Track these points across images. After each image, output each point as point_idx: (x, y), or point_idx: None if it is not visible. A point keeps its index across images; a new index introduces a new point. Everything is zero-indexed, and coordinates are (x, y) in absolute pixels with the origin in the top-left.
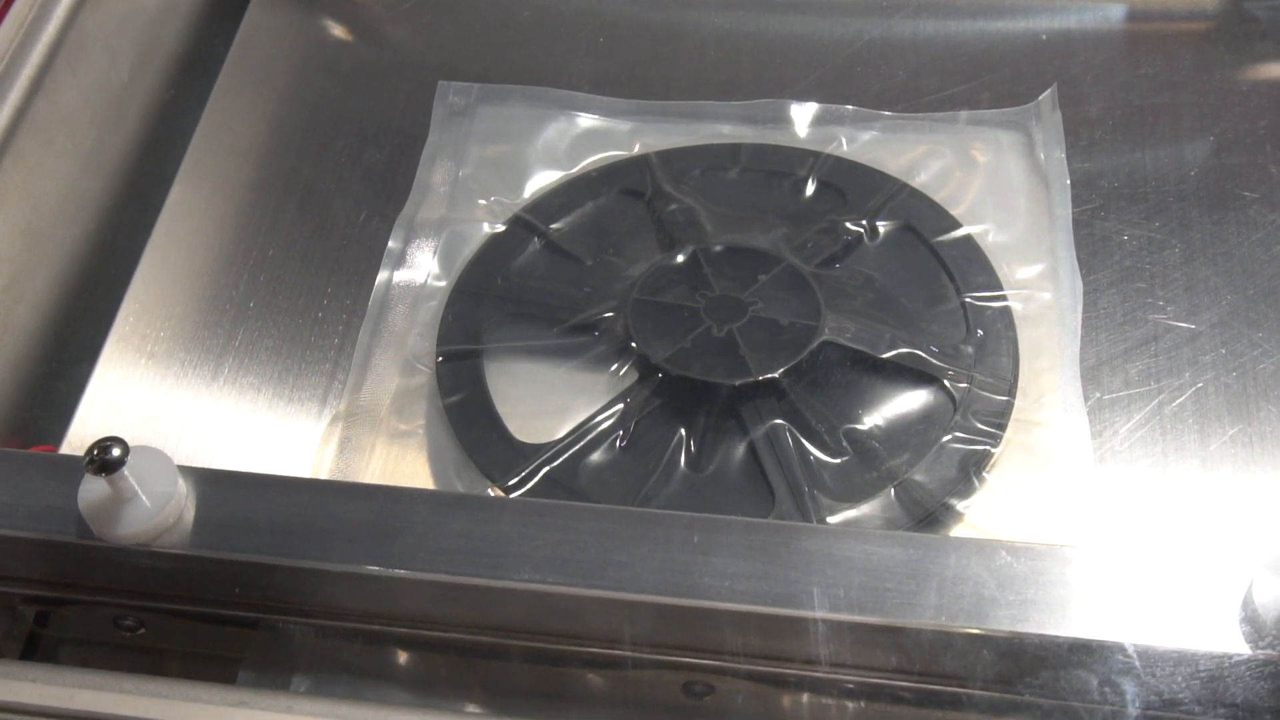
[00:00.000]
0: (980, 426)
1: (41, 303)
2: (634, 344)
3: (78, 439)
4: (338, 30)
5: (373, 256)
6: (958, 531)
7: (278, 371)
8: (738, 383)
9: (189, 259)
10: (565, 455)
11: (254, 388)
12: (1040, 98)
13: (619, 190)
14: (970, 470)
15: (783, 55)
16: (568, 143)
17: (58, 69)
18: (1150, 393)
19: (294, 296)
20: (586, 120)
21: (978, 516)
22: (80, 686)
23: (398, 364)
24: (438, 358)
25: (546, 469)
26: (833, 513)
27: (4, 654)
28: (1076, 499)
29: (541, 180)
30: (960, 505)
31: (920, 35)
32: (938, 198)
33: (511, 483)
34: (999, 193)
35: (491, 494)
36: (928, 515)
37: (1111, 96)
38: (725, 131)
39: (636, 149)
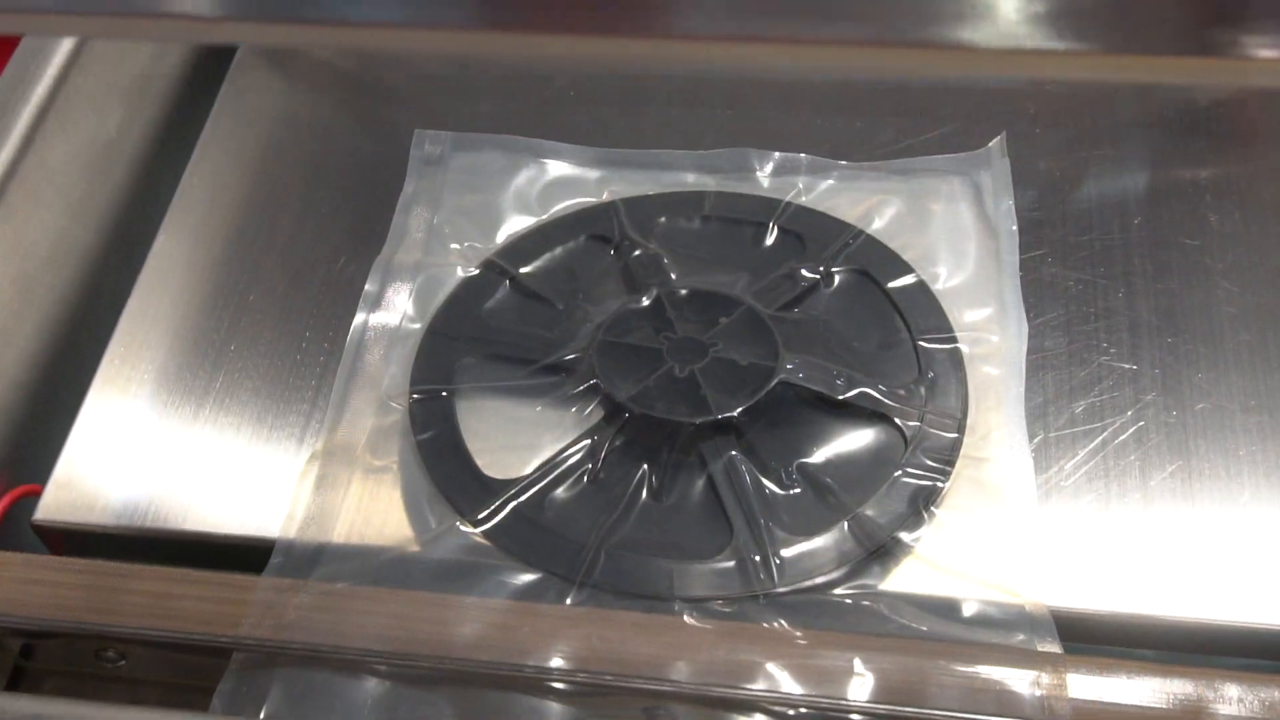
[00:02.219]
0: (930, 463)
1: (30, 347)
2: (599, 384)
3: (64, 477)
4: (316, 86)
5: (350, 300)
6: (907, 566)
7: (257, 411)
8: (698, 421)
9: (173, 304)
10: (533, 490)
11: (234, 427)
12: (989, 145)
13: (588, 236)
14: (920, 505)
15: (744, 106)
16: (539, 190)
17: (48, 126)
18: (1094, 430)
19: (274, 339)
20: (557, 168)
21: (927, 549)
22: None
23: (373, 403)
24: (411, 396)
25: (514, 504)
26: (788, 545)
27: None
28: (1021, 533)
29: (514, 226)
30: (909, 538)
31: (875, 86)
32: (891, 244)
33: (480, 516)
34: (949, 239)
35: (461, 528)
36: (879, 548)
37: (1058, 147)
38: (690, 180)
39: (605, 196)
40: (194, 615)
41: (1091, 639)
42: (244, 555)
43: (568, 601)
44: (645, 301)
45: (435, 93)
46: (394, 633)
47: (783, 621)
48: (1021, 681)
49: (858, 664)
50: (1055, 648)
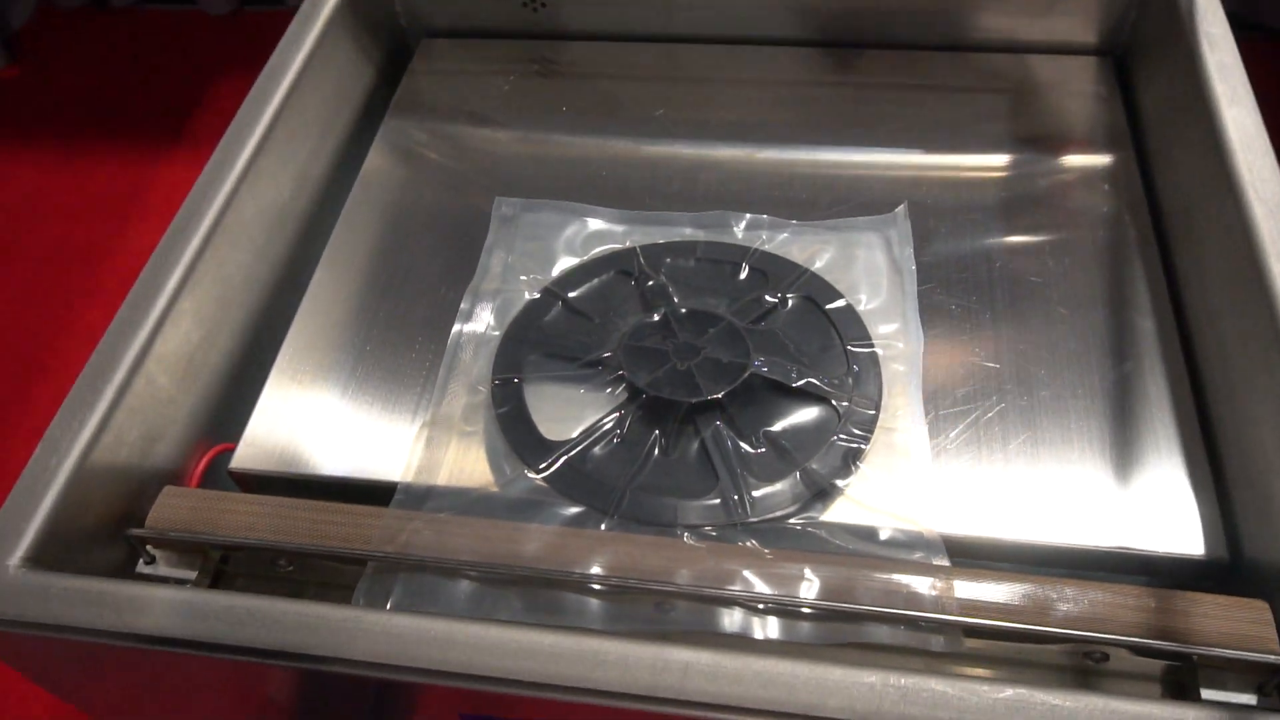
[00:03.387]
0: (856, 431)
1: (228, 348)
2: (625, 374)
3: (251, 438)
4: (428, 170)
5: (449, 316)
6: (840, 503)
7: (384, 393)
8: (694, 400)
9: (326, 317)
10: (578, 448)
11: (368, 404)
12: (896, 210)
13: (616, 271)
14: (849, 460)
15: (726, 180)
16: (581, 239)
17: (241, 193)
18: (969, 410)
19: (397, 343)
20: (595, 224)
21: (855, 492)
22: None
23: (466, 387)
24: (493, 382)
25: (566, 457)
26: (757, 489)
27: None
28: (921, 481)
29: (564, 264)
30: (842, 484)
31: (818, 165)
32: (828, 278)
33: (541, 466)
34: (869, 275)
35: (528, 475)
36: (820, 492)
37: (944, 212)
38: (687, 232)
39: (628, 243)
40: (340, 536)
41: (970, 555)
42: (375, 494)
43: (602, 528)
44: (656, 318)
45: (507, 172)
46: (479, 548)
47: (754, 542)
48: (923, 585)
49: (807, 572)
50: (945, 561)
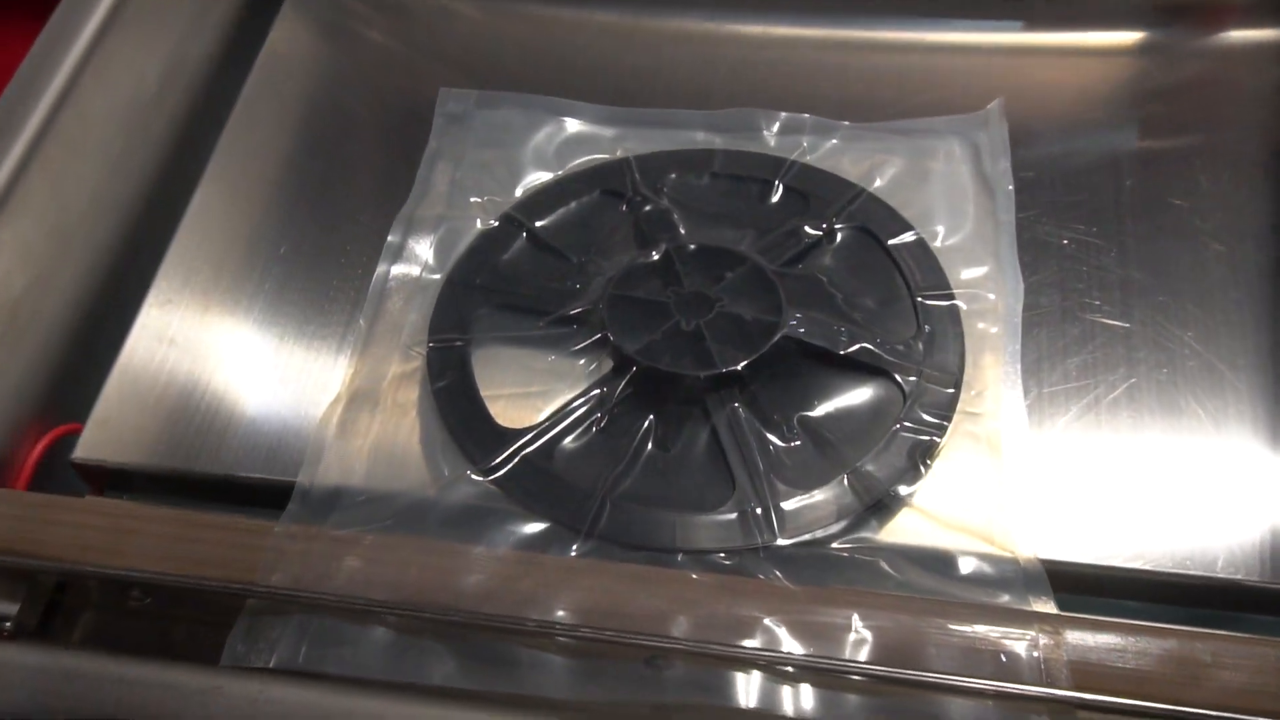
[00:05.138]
0: (927, 418)
1: (70, 293)
2: (609, 336)
3: (103, 417)
4: (350, 49)
5: (375, 252)
6: (903, 519)
7: (286, 357)
8: (703, 374)
9: (209, 255)
10: (542, 440)
11: (263, 372)
12: (988, 108)
13: (601, 191)
14: (917, 459)
15: (752, 67)
16: (556, 146)
17: (85, 80)
18: (1087, 387)
19: (303, 289)
20: (573, 125)
21: (924, 503)
22: None
23: (394, 350)
24: (429, 345)
25: (525, 452)
26: (788, 498)
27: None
28: (1016, 488)
29: (531, 180)
30: (906, 492)
31: (877, 48)
32: (892, 203)
33: (491, 465)
34: (948, 198)
35: (473, 476)
36: (876, 503)
37: (1053, 110)
38: (699, 138)
39: (619, 153)
40: (210, 560)
41: (1081, 590)
42: (269, 495)
43: (573, 551)
44: (655, 256)
45: (460, 53)
46: (402, 582)
47: (779, 574)
48: (1019, 642)
49: (855, 621)
50: (1050, 606)
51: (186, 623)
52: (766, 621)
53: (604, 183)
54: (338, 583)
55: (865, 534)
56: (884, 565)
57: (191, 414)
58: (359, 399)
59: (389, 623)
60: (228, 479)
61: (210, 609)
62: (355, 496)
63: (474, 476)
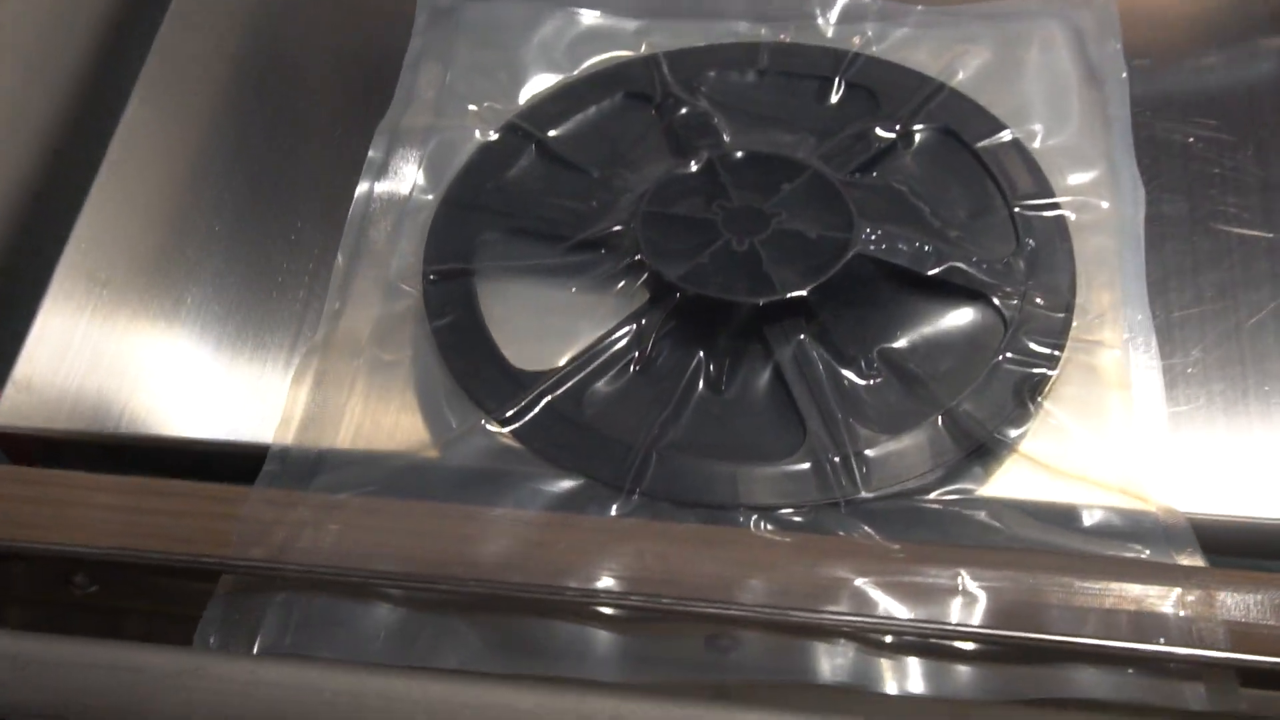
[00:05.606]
0: (1035, 348)
1: None
2: (645, 260)
3: (23, 379)
4: None
5: (352, 175)
6: (1011, 465)
7: (247, 302)
8: (762, 301)
9: (146, 181)
10: (570, 383)
11: (220, 320)
12: None
13: (625, 93)
14: (1025, 396)
15: None
16: (567, 42)
17: None
18: (1226, 310)
19: (264, 220)
20: (588, 17)
21: (1034, 448)
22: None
23: (381, 286)
24: (426, 278)
25: (549, 398)
26: (871, 445)
27: None
28: (1147, 429)
29: (539, 84)
30: (1013, 434)
31: None
32: (980, 100)
33: (509, 414)
34: (1048, 91)
35: (487, 428)
36: (978, 447)
37: None
38: (740, 29)
39: (644, 49)
40: (174, 533)
41: (1227, 551)
42: (233, 465)
43: (613, 512)
44: (694, 167)
45: None
46: (409, 551)
47: (871, 531)
48: (1164, 599)
49: (964, 580)
50: (1198, 560)
51: (142, 616)
52: (857, 583)
53: (628, 84)
54: (330, 554)
55: (966, 484)
56: (990, 519)
57: (133, 372)
58: (339, 345)
59: (394, 598)
60: (182, 445)
61: (173, 596)
62: (342, 457)
63: (489, 427)
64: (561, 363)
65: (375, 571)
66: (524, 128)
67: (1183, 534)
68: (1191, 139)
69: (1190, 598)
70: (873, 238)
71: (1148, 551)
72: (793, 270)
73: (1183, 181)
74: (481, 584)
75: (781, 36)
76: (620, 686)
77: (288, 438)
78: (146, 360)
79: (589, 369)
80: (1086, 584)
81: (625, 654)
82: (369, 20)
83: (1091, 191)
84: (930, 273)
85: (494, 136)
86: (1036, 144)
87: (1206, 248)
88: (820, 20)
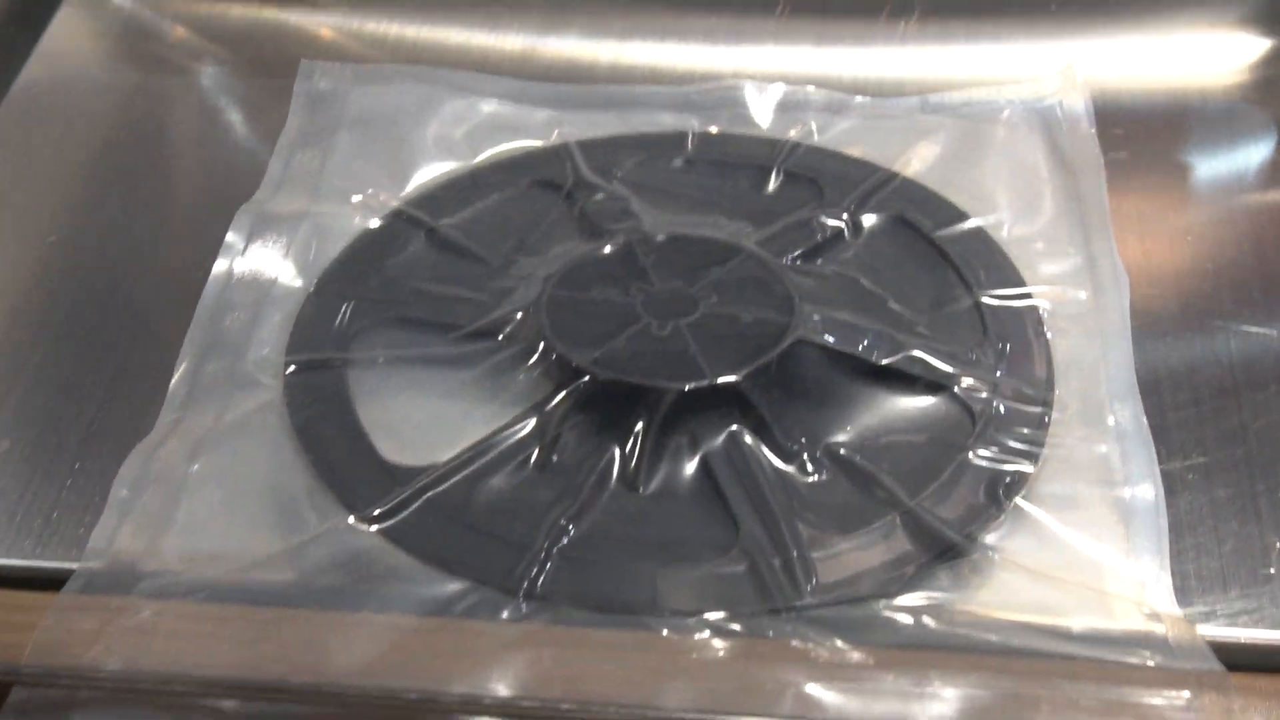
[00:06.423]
0: (1009, 443)
1: None
2: (549, 344)
3: None
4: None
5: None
6: (985, 567)
7: (75, 393)
8: (688, 387)
9: None
10: (456, 478)
11: (34, 413)
12: (1061, 67)
13: (531, 181)
14: (1000, 494)
15: (736, 33)
16: (465, 131)
17: None
18: (1226, 410)
19: (98, 295)
20: (490, 105)
21: (1012, 547)
22: None
23: (233, 379)
24: (287, 369)
25: (428, 494)
26: (816, 546)
27: None
28: (1146, 528)
29: (431, 173)
30: (986, 536)
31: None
32: (938, 190)
33: (379, 511)
34: (1014, 180)
35: (354, 525)
36: (948, 549)
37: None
38: (665, 121)
39: (555, 138)
40: None
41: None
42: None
43: (503, 617)
44: (609, 249)
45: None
46: (249, 659)
47: (818, 638)
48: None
49: (936, 689)
50: (1211, 663)
51: None
52: (807, 689)
53: (534, 172)
54: (148, 664)
55: (931, 591)
56: (962, 630)
57: None
58: (180, 441)
59: (227, 714)
60: None
61: None
62: (175, 559)
63: (355, 525)
64: (447, 458)
65: (207, 678)
66: (412, 214)
67: (1191, 642)
68: (1176, 227)
69: (1204, 701)
70: (818, 321)
71: (1153, 661)
72: (723, 356)
73: (1170, 271)
74: (335, 689)
75: (711, 129)
76: None
77: (110, 538)
78: None
79: (479, 463)
80: (1084, 685)
81: None
82: (242, 107)
83: (1069, 281)
84: (884, 361)
85: (376, 224)
86: (1004, 233)
87: (1202, 343)
88: (754, 110)
